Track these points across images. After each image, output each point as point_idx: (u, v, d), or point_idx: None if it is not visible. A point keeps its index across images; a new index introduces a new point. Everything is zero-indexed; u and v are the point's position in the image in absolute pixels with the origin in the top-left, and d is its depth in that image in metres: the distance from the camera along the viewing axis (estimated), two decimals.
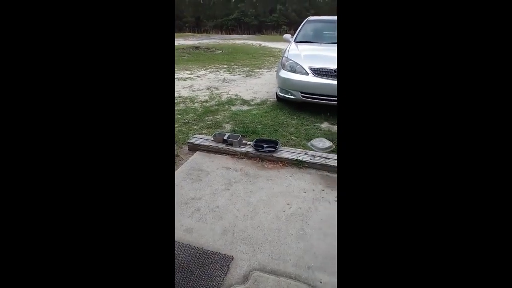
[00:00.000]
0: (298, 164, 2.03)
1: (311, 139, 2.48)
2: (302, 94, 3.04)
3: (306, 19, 4.14)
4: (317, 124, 2.88)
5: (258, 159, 2.10)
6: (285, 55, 3.31)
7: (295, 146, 2.36)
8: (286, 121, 2.96)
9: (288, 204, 1.57)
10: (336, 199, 1.65)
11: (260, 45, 12.10)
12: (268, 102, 3.70)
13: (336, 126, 2.84)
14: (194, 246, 1.26)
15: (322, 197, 1.65)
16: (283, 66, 3.19)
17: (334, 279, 1.09)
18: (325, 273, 1.13)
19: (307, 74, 2.98)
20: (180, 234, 1.34)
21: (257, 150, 2.12)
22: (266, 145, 2.15)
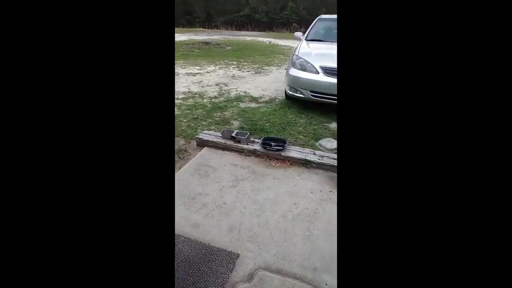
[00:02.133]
0: (305, 164, 2.01)
1: (320, 139, 2.46)
2: (312, 93, 3.01)
3: (318, 17, 4.09)
4: (325, 124, 2.85)
5: (265, 157, 2.09)
6: (296, 53, 3.28)
7: (303, 145, 2.35)
8: (294, 120, 2.94)
9: (295, 204, 1.56)
10: None
11: (270, 42, 12.03)
12: (276, 100, 3.68)
13: None
14: (200, 242, 1.26)
15: (330, 198, 1.64)
16: (293, 64, 3.16)
17: None
18: (331, 275, 1.12)
19: (317, 73, 2.95)
20: (187, 229, 1.35)
21: (265, 148, 2.11)
22: (274, 144, 2.15)
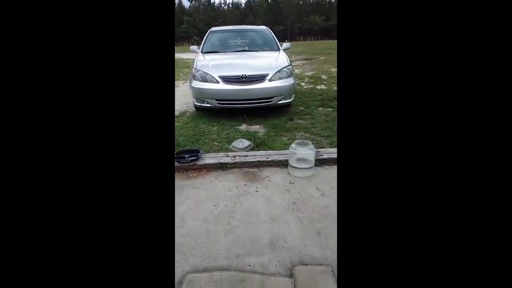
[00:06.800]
0: (221, 167, 2.14)
1: (232, 142, 2.64)
2: (217, 102, 3.18)
3: (209, 30, 4.31)
4: (236, 127, 3.06)
5: (182, 170, 2.13)
6: (194, 66, 3.40)
7: (217, 151, 2.47)
8: (207, 129, 3.05)
9: (215, 206, 1.67)
10: (256, 190, 1.83)
11: None
12: (187, 113, 3.72)
13: (253, 126, 3.09)
14: None
15: (245, 191, 1.81)
16: (194, 77, 3.27)
17: (260, 260, 1.24)
18: (252, 256, 1.27)
19: (217, 82, 3.14)
20: None
21: (179, 162, 2.14)
22: (188, 155, 2.20)
